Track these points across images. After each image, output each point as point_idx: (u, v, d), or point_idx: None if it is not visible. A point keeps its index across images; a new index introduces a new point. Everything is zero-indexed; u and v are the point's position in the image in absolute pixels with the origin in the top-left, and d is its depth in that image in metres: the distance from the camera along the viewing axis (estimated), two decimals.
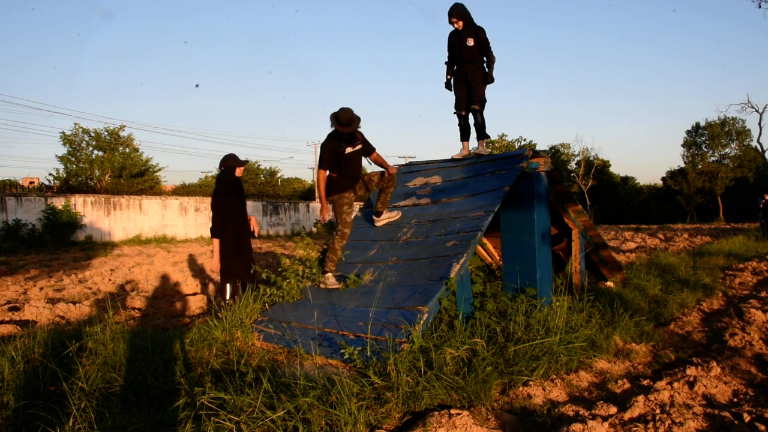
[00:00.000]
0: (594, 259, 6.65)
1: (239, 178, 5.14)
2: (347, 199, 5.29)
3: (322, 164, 5.16)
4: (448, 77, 6.21)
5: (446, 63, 6.21)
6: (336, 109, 5.09)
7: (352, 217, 5.39)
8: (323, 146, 5.21)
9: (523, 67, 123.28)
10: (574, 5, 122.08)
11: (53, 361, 3.65)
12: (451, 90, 6.21)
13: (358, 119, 5.05)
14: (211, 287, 8.29)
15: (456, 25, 5.96)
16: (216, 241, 4.80)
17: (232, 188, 5.01)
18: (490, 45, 5.92)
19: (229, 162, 5.05)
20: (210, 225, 5.18)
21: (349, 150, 5.20)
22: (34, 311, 6.29)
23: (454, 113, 6.22)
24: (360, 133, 5.27)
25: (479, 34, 5.88)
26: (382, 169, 5.64)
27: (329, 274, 5.17)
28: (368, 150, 5.43)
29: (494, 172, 5.43)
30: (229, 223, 5.08)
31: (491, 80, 5.96)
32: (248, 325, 4.81)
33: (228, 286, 4.79)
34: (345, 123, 5.00)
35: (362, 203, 6.49)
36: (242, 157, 5.25)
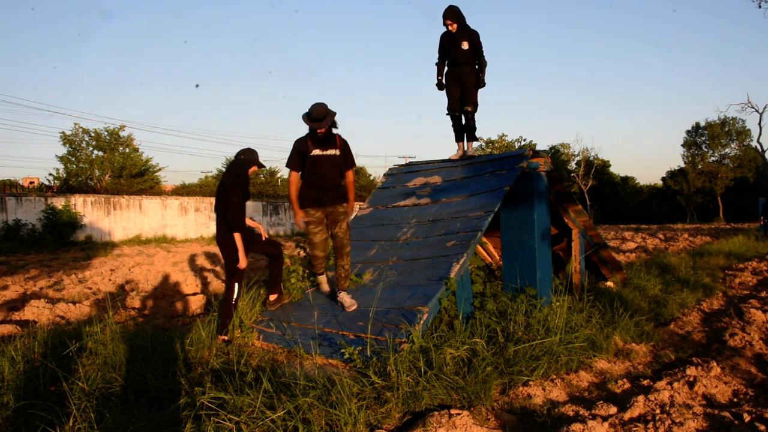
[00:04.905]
0: (594, 259, 6.65)
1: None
2: (312, 217, 4.71)
3: (288, 162, 4.70)
4: (440, 78, 6.25)
5: (436, 64, 6.25)
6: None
7: (323, 238, 4.78)
8: (294, 143, 4.71)
9: (523, 66, 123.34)
10: (574, 4, 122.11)
11: (53, 361, 3.65)
12: (443, 90, 6.26)
13: (332, 114, 4.50)
14: (211, 287, 8.29)
15: (450, 27, 5.99)
16: (238, 236, 4.56)
17: (246, 183, 4.82)
18: (483, 49, 5.99)
19: (251, 156, 4.76)
20: (208, 225, 5.03)
21: (316, 152, 4.58)
22: (34, 311, 6.29)
23: (447, 114, 6.27)
24: (342, 139, 4.71)
25: (474, 37, 5.94)
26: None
27: (322, 276, 5.05)
28: (346, 162, 4.73)
29: (494, 172, 5.43)
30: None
31: (483, 84, 6.06)
32: (248, 325, 4.81)
33: (236, 286, 4.65)
34: (316, 117, 4.46)
35: (361, 203, 6.49)
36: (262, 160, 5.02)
